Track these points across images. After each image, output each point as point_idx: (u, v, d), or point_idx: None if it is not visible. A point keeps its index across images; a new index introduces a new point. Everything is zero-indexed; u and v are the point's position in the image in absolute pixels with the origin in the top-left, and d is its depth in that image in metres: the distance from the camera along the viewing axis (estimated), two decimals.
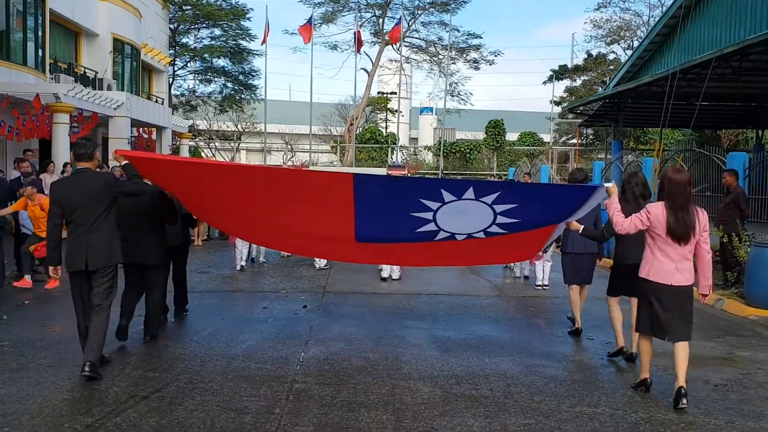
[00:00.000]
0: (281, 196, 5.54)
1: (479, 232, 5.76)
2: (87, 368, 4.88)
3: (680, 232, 4.67)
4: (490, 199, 5.29)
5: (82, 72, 20.49)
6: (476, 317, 7.58)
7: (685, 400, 4.64)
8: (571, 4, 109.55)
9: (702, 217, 4.75)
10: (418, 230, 5.69)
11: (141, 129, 23.60)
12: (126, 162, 5.64)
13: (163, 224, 6.06)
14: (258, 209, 5.90)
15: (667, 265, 4.74)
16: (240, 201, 5.73)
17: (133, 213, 5.74)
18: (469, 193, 5.24)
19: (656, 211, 4.75)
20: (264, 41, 30.32)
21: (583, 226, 5.72)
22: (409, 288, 9.46)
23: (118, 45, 22.43)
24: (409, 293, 9.03)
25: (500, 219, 5.55)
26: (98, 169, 5.66)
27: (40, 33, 16.93)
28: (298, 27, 31.40)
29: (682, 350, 4.78)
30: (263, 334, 6.53)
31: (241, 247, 10.88)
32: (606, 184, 5.18)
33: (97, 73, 20.95)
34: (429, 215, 5.49)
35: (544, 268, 9.58)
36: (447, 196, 5.26)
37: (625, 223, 4.91)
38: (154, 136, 23.62)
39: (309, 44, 32.11)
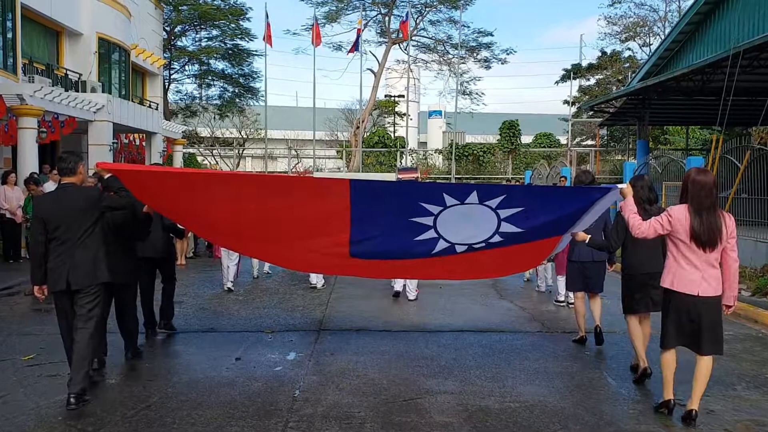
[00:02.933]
0: (272, 204, 5.23)
1: (481, 243, 5.43)
2: (72, 400, 4.60)
3: (706, 237, 4.35)
4: (494, 202, 5.05)
5: (63, 74, 18.79)
6: (520, 370, 5.66)
7: (693, 423, 4.40)
8: (577, 7, 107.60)
9: (729, 222, 4.43)
10: (417, 239, 5.36)
11: (132, 135, 21.94)
12: (110, 175, 5.18)
13: (132, 240, 5.67)
14: (249, 219, 5.47)
15: (693, 273, 4.41)
16: (229, 211, 5.37)
17: (106, 227, 5.19)
18: (473, 197, 5.03)
19: (679, 214, 4.42)
20: (268, 39, 28.35)
21: (589, 236, 5.42)
22: (427, 321, 7.58)
23: (105, 45, 20.70)
24: (428, 329, 7.14)
25: (504, 227, 5.27)
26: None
27: (9, 30, 15.22)
28: (312, 28, 29.57)
29: (705, 366, 4.48)
30: (224, 408, 4.62)
31: (228, 264, 9.38)
32: (620, 186, 4.97)
33: (80, 75, 19.23)
34: (429, 220, 5.21)
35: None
36: (449, 200, 5.05)
37: (643, 227, 4.55)
38: (144, 143, 21.92)
39: (311, 45, 30.30)
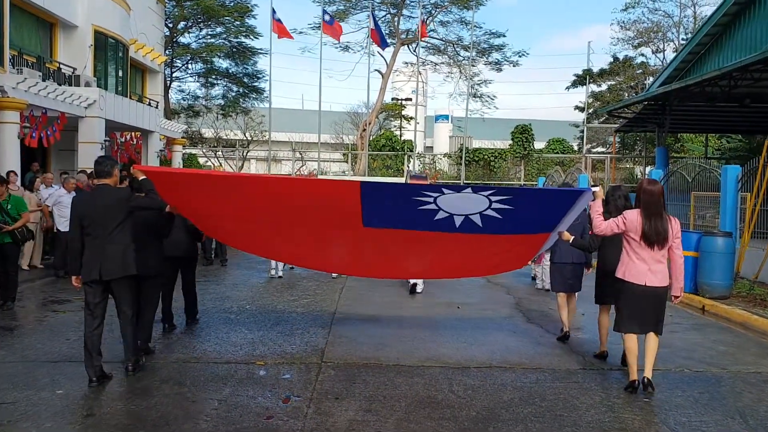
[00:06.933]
0: (294, 203, 5.94)
1: (476, 214, 5.98)
2: (130, 367, 5.47)
3: (654, 237, 5.16)
4: (486, 192, 5.70)
5: (56, 68, 17.76)
6: (570, 425, 4.52)
7: (650, 389, 5.22)
8: (583, 14, 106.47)
9: (674, 225, 5.25)
10: (420, 208, 5.89)
11: (129, 134, 20.93)
12: (144, 177, 5.63)
13: (159, 237, 6.16)
14: (274, 218, 6.24)
15: (641, 266, 5.20)
16: (253, 210, 6.11)
17: (136, 224, 5.64)
18: (468, 190, 5.76)
19: (632, 217, 5.25)
20: (280, 32, 27.18)
21: (573, 237, 6.09)
22: (447, 352, 6.46)
23: (101, 39, 19.67)
24: (450, 364, 6.03)
25: (495, 206, 5.83)
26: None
27: None
28: (325, 26, 28.51)
29: (652, 341, 5.31)
30: None
31: None
32: (593, 188, 5.62)
33: (75, 69, 18.20)
34: (430, 199, 5.82)
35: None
36: (447, 190, 5.74)
37: (602, 225, 5.41)
38: (141, 142, 20.88)
39: (318, 44, 29.31)
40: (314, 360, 6.05)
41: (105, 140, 16.27)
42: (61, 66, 17.83)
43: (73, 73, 17.77)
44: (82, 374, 5.35)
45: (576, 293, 7.18)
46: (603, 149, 39.91)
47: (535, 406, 4.92)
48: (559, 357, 6.41)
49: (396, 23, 34.73)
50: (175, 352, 6.27)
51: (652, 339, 5.31)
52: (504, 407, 4.87)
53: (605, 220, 5.47)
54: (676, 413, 4.86)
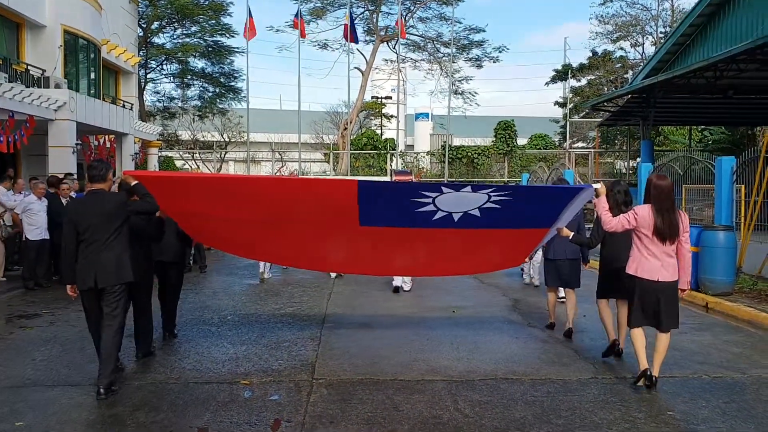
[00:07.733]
0: (288, 203, 5.86)
1: (475, 209, 5.91)
2: (102, 391, 4.96)
3: (666, 232, 5.09)
4: (486, 190, 5.68)
5: (24, 69, 17.01)
6: None
7: (650, 387, 5.13)
8: (556, 12, 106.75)
9: (684, 219, 5.21)
10: (418, 210, 5.86)
11: (104, 137, 20.21)
12: (136, 182, 5.51)
13: (149, 242, 6.09)
14: (269, 219, 6.12)
15: (653, 262, 5.14)
16: (246, 212, 5.97)
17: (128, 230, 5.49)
18: (467, 188, 5.70)
19: (643, 212, 5.15)
20: (249, 32, 26.58)
21: (573, 233, 6.15)
22: (448, 363, 5.97)
23: (71, 39, 18.93)
24: (453, 378, 5.53)
25: (495, 198, 5.75)
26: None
27: None
28: (293, 20, 27.99)
29: (665, 339, 5.25)
30: None
31: None
32: (595, 185, 5.57)
33: (44, 71, 17.46)
34: (428, 200, 5.76)
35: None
36: (446, 189, 5.69)
37: (612, 222, 5.29)
38: (116, 145, 20.16)
39: (296, 42, 28.70)
40: (304, 377, 5.53)
41: (77, 144, 15.57)
42: (29, 68, 17.07)
43: (42, 74, 17.05)
44: (47, 401, 4.83)
45: (575, 290, 7.08)
46: (583, 144, 39.78)
47: (551, 424, 4.45)
48: (567, 365, 5.95)
49: (375, 20, 34.25)
50: (151, 371, 5.72)
51: (664, 338, 5.24)
52: (517, 427, 4.40)
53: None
54: (705, 427, 4.43)
